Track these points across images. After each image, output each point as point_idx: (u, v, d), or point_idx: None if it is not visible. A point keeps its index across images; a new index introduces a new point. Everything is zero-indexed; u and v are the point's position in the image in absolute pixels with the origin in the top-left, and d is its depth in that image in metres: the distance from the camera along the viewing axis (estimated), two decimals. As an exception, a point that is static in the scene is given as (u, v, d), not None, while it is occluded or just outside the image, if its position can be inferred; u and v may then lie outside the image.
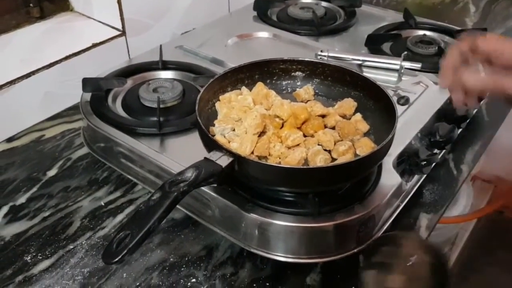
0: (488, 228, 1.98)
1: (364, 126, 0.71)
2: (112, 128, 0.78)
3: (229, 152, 0.59)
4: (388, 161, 0.71)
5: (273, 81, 0.78)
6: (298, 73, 0.79)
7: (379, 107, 0.72)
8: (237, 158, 0.58)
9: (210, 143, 0.61)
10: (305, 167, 0.64)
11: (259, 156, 0.65)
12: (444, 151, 0.84)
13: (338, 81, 0.77)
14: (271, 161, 0.65)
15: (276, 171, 0.59)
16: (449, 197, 0.79)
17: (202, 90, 0.69)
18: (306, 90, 0.77)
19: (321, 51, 0.94)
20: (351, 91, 0.76)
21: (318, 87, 0.79)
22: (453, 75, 0.54)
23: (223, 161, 0.58)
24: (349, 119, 0.73)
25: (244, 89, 0.75)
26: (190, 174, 0.55)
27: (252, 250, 0.65)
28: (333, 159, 0.67)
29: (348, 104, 0.74)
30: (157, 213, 0.52)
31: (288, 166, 0.62)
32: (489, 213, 1.68)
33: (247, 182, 0.64)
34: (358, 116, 0.73)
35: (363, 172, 0.64)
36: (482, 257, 1.90)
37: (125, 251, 0.50)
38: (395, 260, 0.58)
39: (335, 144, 0.68)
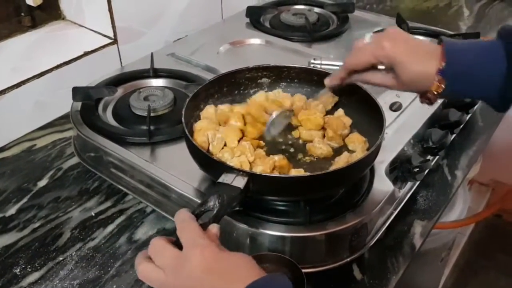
0: (486, 231, 1.98)
1: (348, 121, 0.73)
2: (102, 137, 0.77)
3: (242, 172, 0.58)
4: (381, 168, 0.71)
5: (241, 91, 0.78)
6: (264, 80, 0.79)
7: (353, 99, 0.74)
8: (251, 176, 0.57)
9: (219, 167, 0.59)
10: (329, 171, 0.64)
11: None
12: (437, 157, 0.83)
13: (306, 81, 0.79)
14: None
15: (295, 182, 0.59)
16: (443, 203, 0.78)
17: (183, 115, 0.67)
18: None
19: (314, 59, 0.94)
20: (319, 89, 0.77)
21: (286, 90, 0.79)
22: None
23: (239, 182, 0.56)
24: (330, 113, 0.76)
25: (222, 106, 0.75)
26: (212, 203, 0.54)
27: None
28: None
29: (328, 99, 0.76)
30: None
31: (310, 174, 0.63)
32: (487, 217, 1.67)
33: (260, 197, 0.63)
34: (341, 111, 0.75)
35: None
36: (481, 261, 1.89)
37: None
38: None
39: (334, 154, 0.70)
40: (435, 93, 0.60)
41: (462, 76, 0.59)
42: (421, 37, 1.09)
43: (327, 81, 0.70)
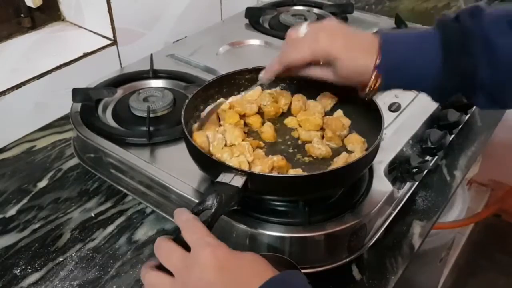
0: (485, 232, 1.98)
1: (347, 121, 0.73)
2: (102, 138, 0.77)
3: (240, 171, 0.58)
4: (379, 169, 0.71)
5: (241, 92, 0.78)
6: None
7: (352, 100, 0.73)
8: (249, 175, 0.57)
9: (218, 167, 0.60)
10: (327, 170, 0.64)
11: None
12: (436, 157, 0.83)
13: (305, 83, 0.77)
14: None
15: (293, 181, 0.59)
16: (442, 203, 0.79)
17: (182, 115, 0.67)
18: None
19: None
20: (319, 91, 0.78)
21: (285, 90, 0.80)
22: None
23: (237, 181, 0.57)
24: (329, 114, 0.76)
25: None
26: (210, 202, 0.54)
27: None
28: None
29: (327, 100, 0.76)
30: None
31: (308, 174, 0.63)
32: (486, 217, 1.68)
33: (258, 196, 0.63)
34: (340, 112, 0.75)
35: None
36: (480, 261, 1.90)
37: None
38: None
39: (333, 155, 0.69)
40: (372, 88, 0.60)
41: (396, 69, 0.58)
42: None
43: (261, 76, 0.69)
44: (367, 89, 0.60)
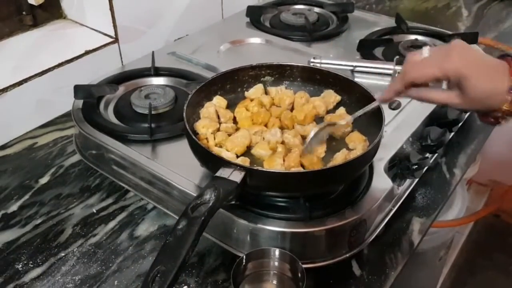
0: (484, 231, 1.98)
1: (350, 119, 0.72)
2: (104, 135, 0.78)
3: (239, 166, 0.58)
4: (380, 166, 0.71)
5: (244, 89, 0.79)
6: (268, 78, 0.80)
7: (354, 99, 0.75)
8: (248, 171, 0.58)
9: (217, 161, 0.60)
10: (326, 167, 0.65)
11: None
12: (435, 155, 0.84)
13: (308, 80, 0.79)
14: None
15: (292, 177, 0.60)
16: (442, 200, 0.79)
17: (184, 110, 0.67)
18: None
19: (314, 58, 0.95)
20: (322, 88, 0.78)
21: (289, 88, 0.80)
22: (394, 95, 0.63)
23: (236, 176, 0.57)
24: (332, 112, 0.76)
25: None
26: (208, 196, 0.55)
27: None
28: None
29: (330, 98, 0.77)
30: (188, 242, 0.51)
31: (307, 170, 0.64)
32: (485, 216, 1.68)
33: (257, 192, 0.63)
34: (342, 109, 0.75)
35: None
36: (479, 260, 1.90)
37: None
38: (263, 270, 0.61)
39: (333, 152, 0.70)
40: (506, 112, 0.56)
41: None
42: (420, 37, 1.09)
43: (380, 96, 0.65)
44: (497, 113, 0.57)
